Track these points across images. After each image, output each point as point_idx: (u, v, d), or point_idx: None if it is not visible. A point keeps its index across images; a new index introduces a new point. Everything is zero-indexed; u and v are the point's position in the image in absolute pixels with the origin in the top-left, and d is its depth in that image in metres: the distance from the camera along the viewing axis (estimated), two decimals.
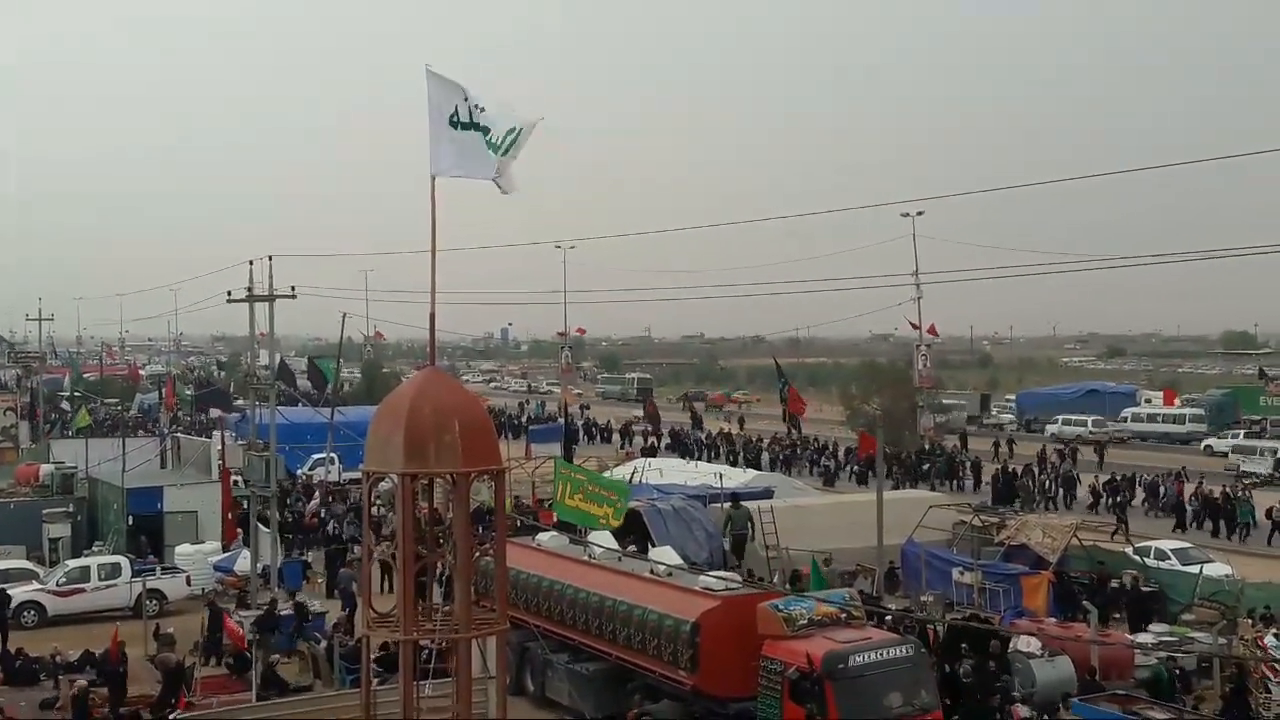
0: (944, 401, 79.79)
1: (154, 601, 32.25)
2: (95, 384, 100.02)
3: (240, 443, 44.96)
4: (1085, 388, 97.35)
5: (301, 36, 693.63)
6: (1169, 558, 34.34)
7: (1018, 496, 50.95)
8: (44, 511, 39.74)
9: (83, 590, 33.34)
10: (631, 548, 30.59)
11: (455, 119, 12.54)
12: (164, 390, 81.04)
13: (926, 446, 63.31)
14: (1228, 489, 47.96)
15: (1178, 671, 23.92)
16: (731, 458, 65.38)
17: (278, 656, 26.68)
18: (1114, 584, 30.86)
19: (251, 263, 33.51)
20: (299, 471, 52.40)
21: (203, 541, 37.63)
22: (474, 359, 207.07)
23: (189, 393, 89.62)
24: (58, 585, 33.42)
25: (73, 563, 34.92)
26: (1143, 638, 26.48)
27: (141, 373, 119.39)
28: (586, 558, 26.12)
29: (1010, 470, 55.68)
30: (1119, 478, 52.74)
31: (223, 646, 28.59)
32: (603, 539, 27.80)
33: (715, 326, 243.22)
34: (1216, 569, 32.90)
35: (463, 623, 11.71)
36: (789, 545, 33.86)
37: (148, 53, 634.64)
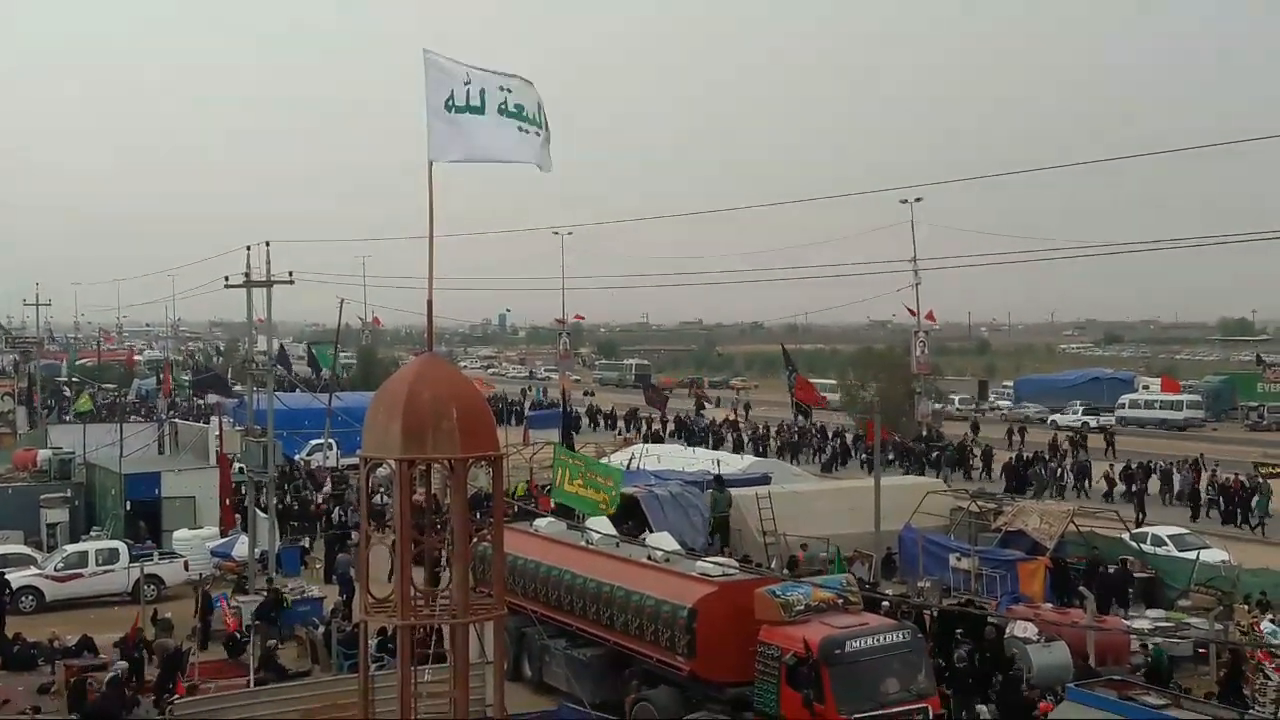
0: (949, 394, 79.80)
1: (152, 587, 32.28)
2: (92, 369, 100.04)
3: (238, 428, 44.97)
4: (1085, 375, 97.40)
5: (303, 15, 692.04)
6: (1165, 544, 34.38)
7: (1030, 485, 50.26)
8: (42, 497, 39.76)
9: (81, 575, 33.37)
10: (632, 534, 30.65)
11: (451, 103, 12.50)
12: (162, 375, 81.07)
13: (924, 433, 63.23)
14: (1245, 478, 46.94)
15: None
16: (737, 444, 65.32)
17: (275, 642, 26.74)
18: (1111, 569, 30.94)
19: (249, 248, 33.54)
20: (297, 457, 52.41)
21: (201, 527, 37.66)
22: (472, 345, 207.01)
23: (185, 378, 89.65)
24: (56, 570, 33.44)
25: (70, 548, 34.94)
26: (1139, 623, 26.53)
27: (138, 358, 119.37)
28: (584, 543, 26.15)
29: (1025, 458, 55.12)
30: (1135, 466, 51.71)
31: (212, 632, 28.66)
32: (600, 525, 27.83)
33: (714, 312, 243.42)
34: (1213, 555, 32.97)
35: (460, 608, 11.72)
36: (786, 531, 33.90)
37: (148, 41, 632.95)
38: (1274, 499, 44.66)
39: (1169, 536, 35.23)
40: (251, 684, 23.05)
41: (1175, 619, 27.33)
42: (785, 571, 29.76)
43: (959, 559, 31.30)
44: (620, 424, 78.41)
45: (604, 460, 41.83)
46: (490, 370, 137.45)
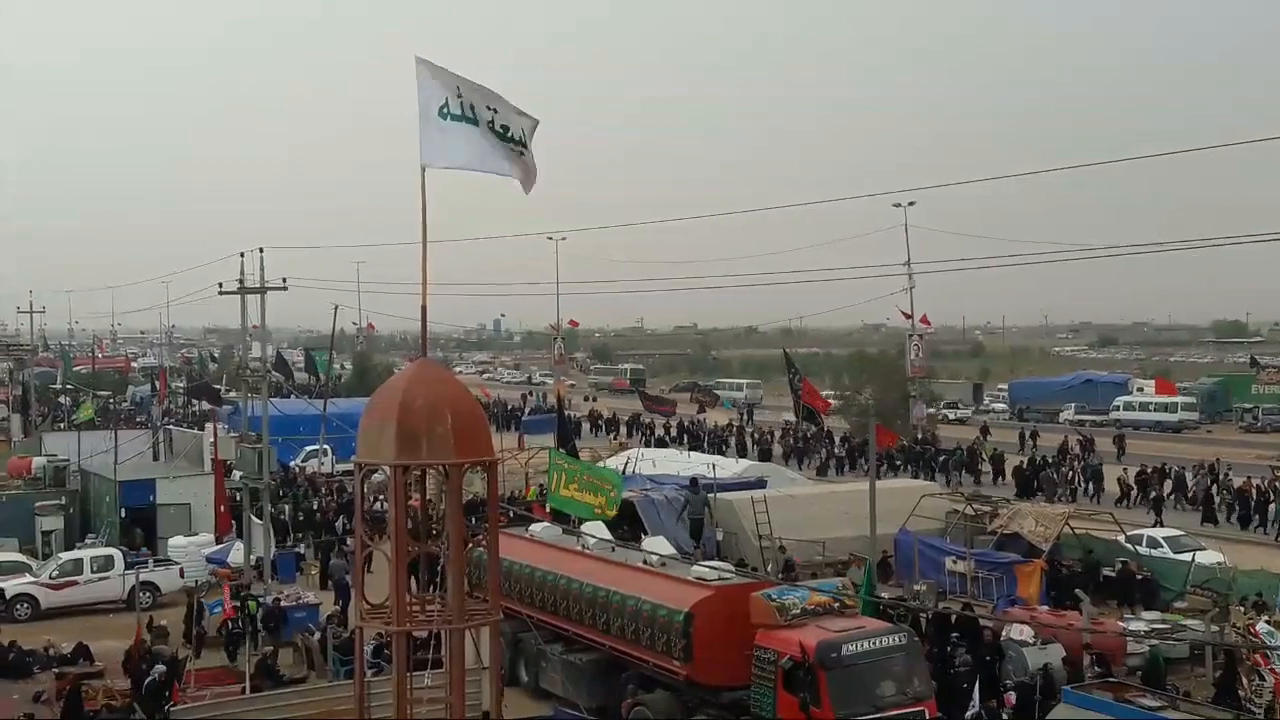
0: (939, 398, 79.59)
1: (147, 594, 32.23)
2: (87, 376, 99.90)
3: (233, 435, 44.94)
4: (1079, 377, 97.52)
5: (292, 24, 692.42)
6: (1161, 545, 34.41)
7: (1041, 490, 49.50)
8: (36, 504, 39.71)
9: (76, 583, 33.36)
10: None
11: (445, 110, 12.51)
12: (157, 382, 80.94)
13: (919, 436, 63.16)
14: (1262, 482, 46.40)
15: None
16: (741, 449, 64.93)
17: (271, 648, 26.73)
18: (1108, 571, 31.03)
19: (243, 254, 33.57)
20: (292, 463, 52.38)
21: (196, 533, 37.63)
22: (467, 350, 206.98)
23: (179, 385, 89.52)
24: (51, 578, 33.42)
25: (66, 555, 34.92)
26: (1135, 625, 26.55)
27: (134, 365, 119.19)
28: (580, 548, 26.14)
29: (1038, 461, 54.57)
30: (1149, 470, 50.86)
31: (206, 638, 28.62)
32: (596, 529, 27.83)
33: (708, 317, 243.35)
34: (1208, 557, 33.00)
35: (456, 614, 11.72)
36: (782, 535, 33.91)
37: (144, 45, 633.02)
38: None
39: (1164, 538, 35.26)
40: (247, 691, 23.05)
41: (1171, 621, 27.36)
42: (781, 575, 29.79)
43: (955, 562, 31.32)
44: (622, 429, 77.62)
45: (600, 465, 41.83)
46: (485, 375, 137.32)
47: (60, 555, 35.24)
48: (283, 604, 29.11)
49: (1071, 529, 32.89)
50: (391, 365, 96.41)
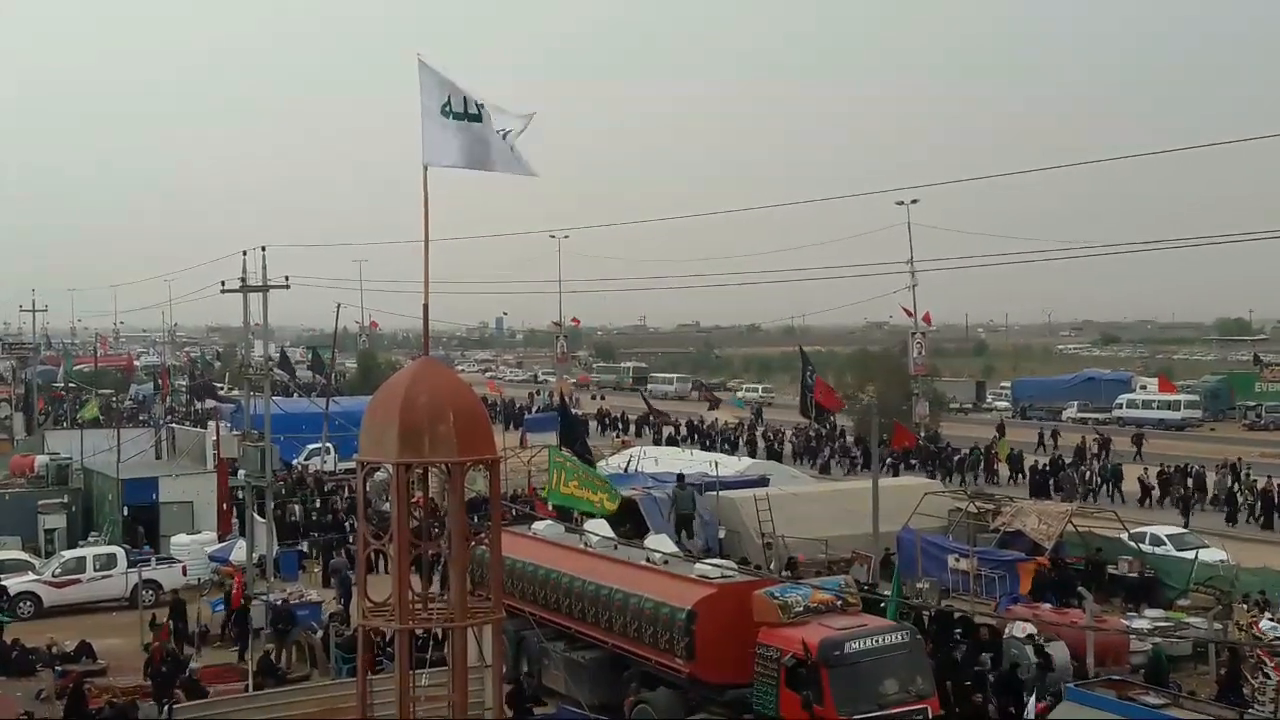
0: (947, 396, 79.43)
1: (150, 592, 32.26)
2: (89, 375, 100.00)
3: (235, 433, 44.95)
4: (1082, 375, 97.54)
5: (296, 22, 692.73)
6: (1164, 543, 34.38)
7: (1060, 490, 48.83)
8: (39, 502, 39.77)
9: (79, 581, 33.38)
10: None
11: (448, 109, 12.50)
12: (159, 381, 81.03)
13: (921, 434, 62.98)
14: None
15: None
16: (751, 448, 64.35)
17: (273, 646, 26.72)
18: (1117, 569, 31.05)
19: (245, 253, 33.54)
20: (295, 461, 52.39)
21: (199, 531, 37.64)
22: (469, 348, 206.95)
23: (181, 383, 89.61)
24: (54, 576, 33.45)
25: (68, 553, 34.95)
26: (1138, 623, 26.54)
27: (136, 363, 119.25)
28: (582, 546, 26.13)
29: (1059, 462, 54.01)
30: (1171, 469, 50.26)
31: (207, 638, 28.61)
32: (599, 527, 27.82)
33: (711, 315, 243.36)
34: (1212, 554, 32.98)
35: (458, 612, 11.70)
36: (785, 533, 33.89)
37: (143, 46, 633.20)
38: None
39: (1168, 536, 35.25)
40: (250, 689, 23.06)
41: (1174, 618, 27.34)
42: (785, 573, 29.76)
43: (957, 560, 31.30)
44: (632, 429, 76.92)
45: (601, 463, 41.88)
46: (488, 374, 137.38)
47: (63, 553, 35.27)
48: (291, 604, 29.04)
49: (1074, 527, 32.87)
50: (396, 363, 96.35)
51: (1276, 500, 44.60)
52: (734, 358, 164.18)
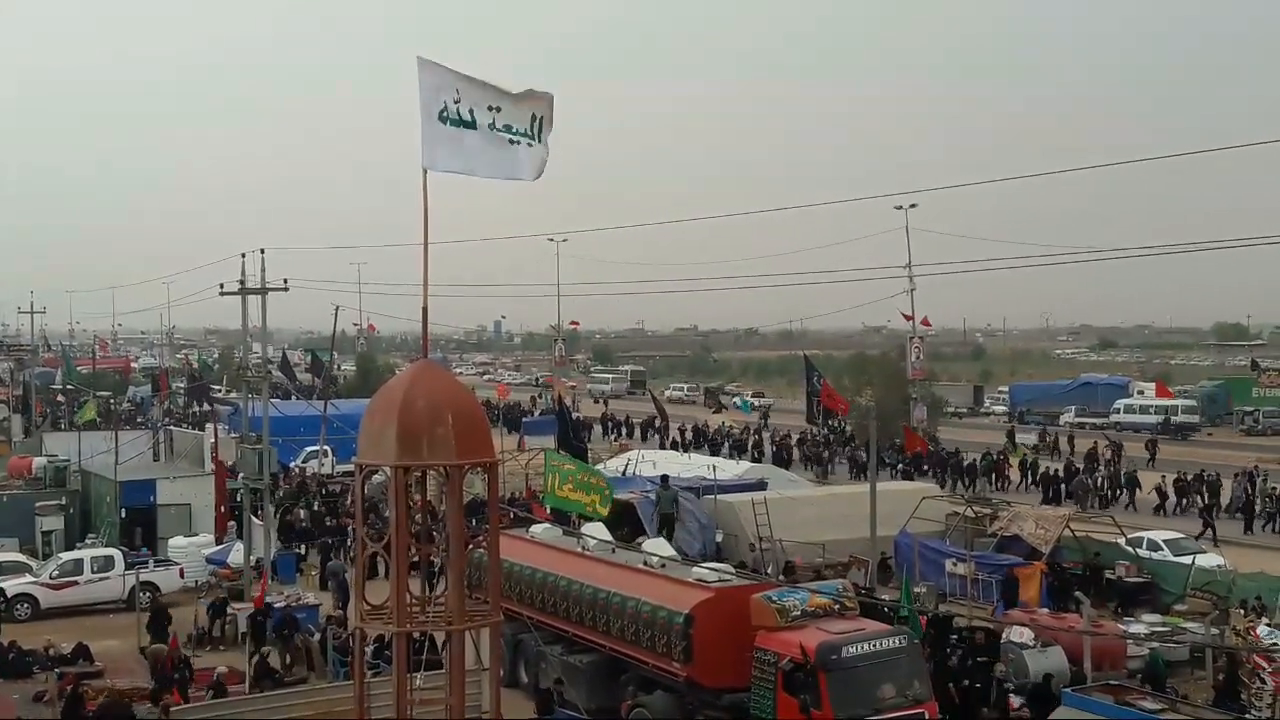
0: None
1: (147, 594, 32.25)
2: (88, 376, 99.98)
3: (233, 435, 44.93)
4: (1080, 380, 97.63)
5: (294, 24, 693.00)
6: (1161, 548, 34.43)
7: (1072, 497, 48.27)
8: (37, 504, 39.70)
9: (76, 583, 33.34)
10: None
11: (445, 114, 12.51)
12: (158, 383, 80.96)
13: (897, 442, 62.62)
14: None
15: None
16: (757, 452, 63.84)
17: (269, 648, 26.70)
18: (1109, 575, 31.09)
19: (244, 255, 33.56)
20: (292, 464, 52.37)
21: (196, 534, 37.62)
22: (467, 351, 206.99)
23: (179, 385, 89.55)
24: (51, 578, 33.41)
25: (66, 556, 34.91)
26: (1135, 628, 26.57)
27: (134, 365, 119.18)
28: (580, 550, 26.14)
29: (1073, 469, 53.25)
30: (1188, 477, 49.00)
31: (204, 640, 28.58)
32: (596, 531, 27.84)
33: (709, 318, 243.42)
34: (1209, 560, 33.01)
35: (456, 615, 11.71)
36: (782, 537, 33.90)
37: (141, 48, 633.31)
38: None
39: (1165, 541, 35.28)
40: (247, 691, 23.05)
41: (1171, 623, 27.38)
42: (781, 577, 29.77)
43: (955, 564, 31.33)
44: (637, 432, 76.41)
45: (599, 467, 41.86)
46: (486, 377, 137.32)
47: (60, 555, 35.23)
48: (294, 610, 28.96)
49: (1072, 531, 32.91)
50: (394, 366, 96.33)
51: None
52: (732, 361, 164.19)
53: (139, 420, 71.08)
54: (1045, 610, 27.83)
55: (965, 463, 56.16)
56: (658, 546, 26.50)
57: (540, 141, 12.67)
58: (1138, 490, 49.38)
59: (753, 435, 69.64)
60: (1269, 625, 25.38)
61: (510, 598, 24.09)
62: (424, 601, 12.46)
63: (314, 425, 50.07)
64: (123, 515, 38.82)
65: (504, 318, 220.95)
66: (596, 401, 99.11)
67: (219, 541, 36.93)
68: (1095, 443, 61.66)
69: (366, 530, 14.47)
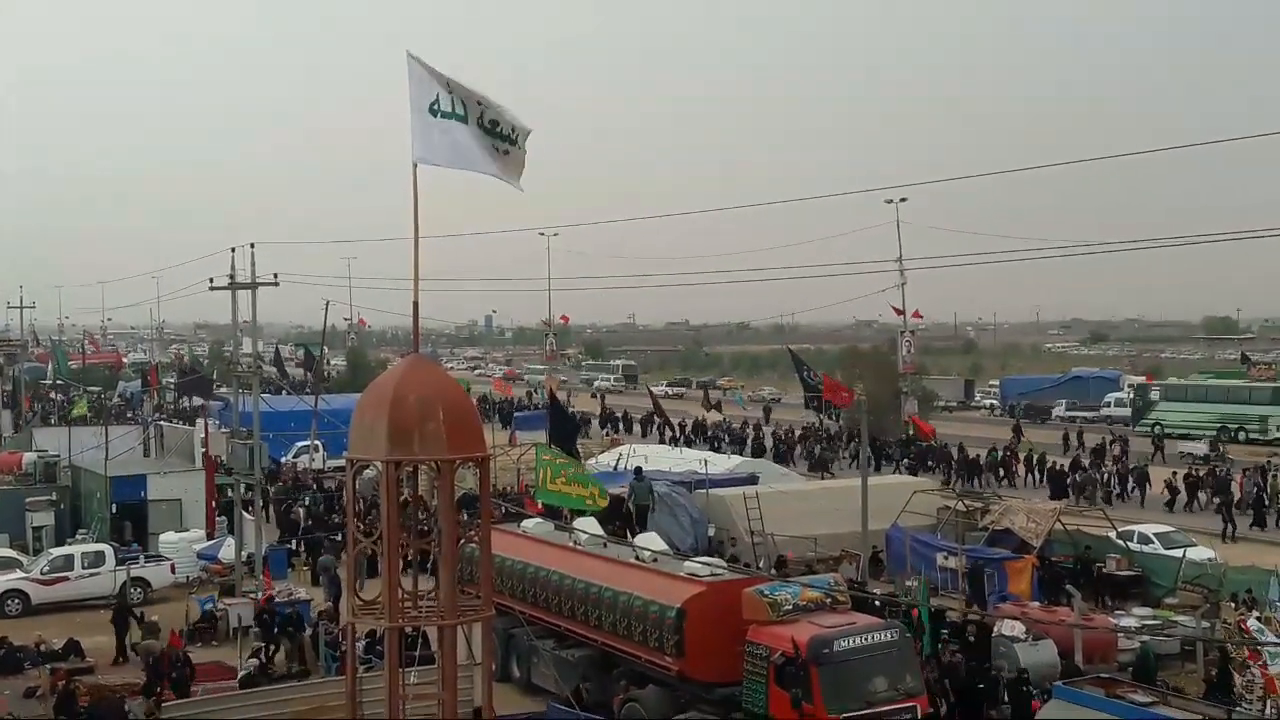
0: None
1: (138, 589, 32.17)
2: (78, 372, 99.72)
3: (224, 430, 44.86)
4: (1070, 374, 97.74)
5: (285, 22, 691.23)
6: (1152, 541, 34.47)
7: (1081, 492, 47.69)
8: (27, 500, 39.62)
9: (67, 579, 33.25)
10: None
11: (436, 107, 12.47)
12: (148, 378, 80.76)
13: (909, 432, 62.81)
14: None
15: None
16: (758, 448, 63.28)
17: (263, 644, 26.65)
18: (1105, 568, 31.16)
19: (234, 250, 33.46)
20: (283, 459, 52.30)
21: (187, 529, 37.55)
22: (458, 346, 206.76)
23: (169, 380, 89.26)
24: (41, 574, 33.33)
25: (56, 551, 34.82)
26: (1126, 621, 26.61)
27: (125, 360, 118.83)
28: (572, 544, 26.12)
29: (1082, 465, 52.39)
30: (1201, 472, 48.33)
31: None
32: (588, 525, 27.83)
33: (700, 313, 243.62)
34: (1199, 553, 33.05)
35: (448, 610, 11.69)
36: (774, 531, 33.92)
37: (137, 42, 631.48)
38: None
39: (1155, 534, 35.33)
40: (239, 687, 23.02)
41: (1162, 617, 27.43)
42: (773, 571, 29.79)
43: (946, 558, 31.35)
44: (637, 428, 75.90)
45: (591, 461, 41.87)
46: (476, 371, 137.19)
47: (51, 551, 35.13)
48: (299, 609, 28.87)
49: (1063, 525, 32.95)
50: (385, 361, 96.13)
51: None
52: (723, 355, 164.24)
53: (129, 415, 70.95)
54: (1036, 604, 27.85)
55: (970, 458, 55.42)
56: (649, 540, 26.50)
57: (518, 146, 12.62)
58: (1148, 486, 48.75)
59: (752, 431, 68.92)
60: (1259, 618, 25.39)
61: (502, 593, 24.06)
62: (416, 596, 12.43)
63: (305, 420, 50.00)
64: (113, 510, 38.71)
65: (494, 312, 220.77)
66: (593, 397, 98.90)
67: (210, 537, 36.89)
68: (1103, 438, 61.27)
69: (359, 526, 14.44)
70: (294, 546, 38.86)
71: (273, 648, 26.59)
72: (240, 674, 24.42)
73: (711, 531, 35.72)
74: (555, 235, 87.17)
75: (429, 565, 13.83)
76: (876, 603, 24.74)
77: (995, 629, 24.58)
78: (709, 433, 69.38)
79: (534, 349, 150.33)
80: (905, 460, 57.11)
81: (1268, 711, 21.69)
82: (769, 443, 65.47)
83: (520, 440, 51.55)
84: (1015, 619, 24.96)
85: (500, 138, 12.57)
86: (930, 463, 55.90)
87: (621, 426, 77.12)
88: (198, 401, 69.62)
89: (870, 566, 33.08)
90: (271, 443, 44.94)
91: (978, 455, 55.54)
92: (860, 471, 35.16)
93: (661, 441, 63.42)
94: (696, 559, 25.82)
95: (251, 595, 30.33)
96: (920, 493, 36.40)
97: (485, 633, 12.64)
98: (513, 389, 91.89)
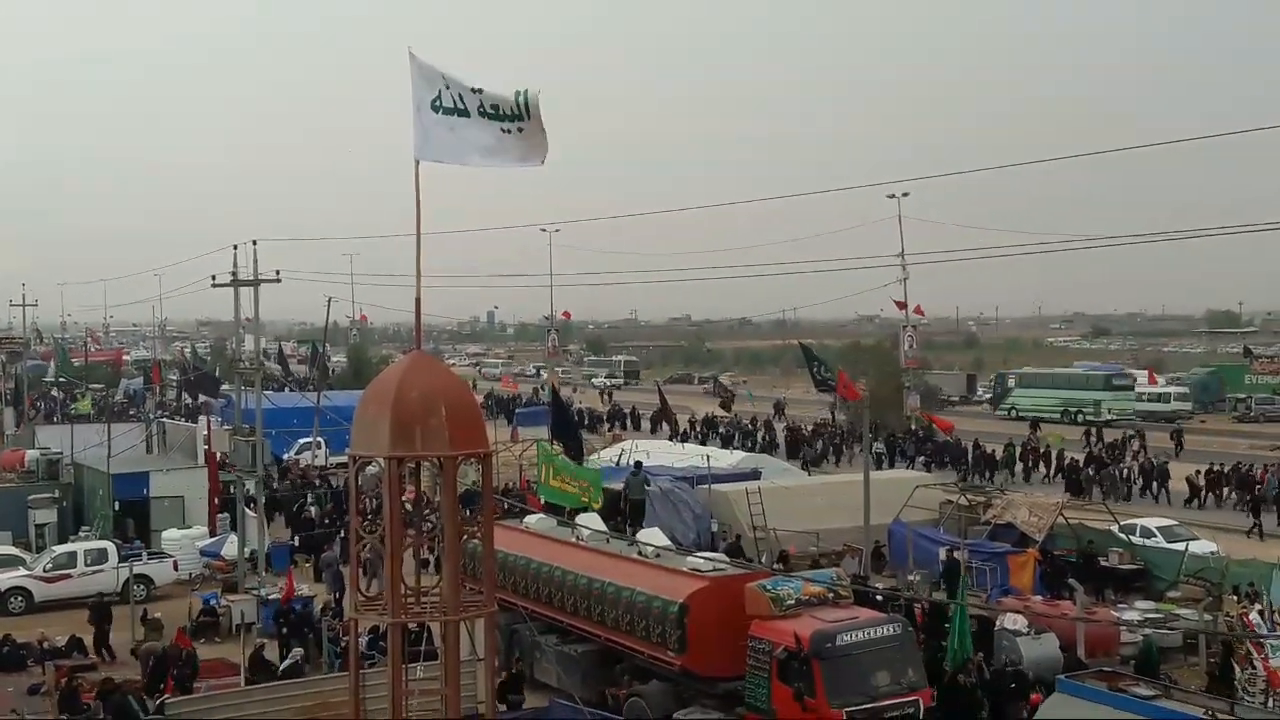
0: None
1: (141, 587, 32.19)
2: (81, 369, 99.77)
3: (226, 427, 44.85)
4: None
5: (287, 19, 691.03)
6: (1154, 535, 34.47)
7: (1101, 488, 47.28)
8: (30, 497, 39.63)
9: (69, 576, 33.26)
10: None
11: (438, 103, 12.48)
12: (150, 375, 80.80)
13: (911, 427, 62.87)
14: None
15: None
16: (770, 444, 62.65)
17: (263, 641, 26.64)
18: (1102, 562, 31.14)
19: (236, 247, 33.44)
20: (285, 456, 52.30)
21: (190, 526, 37.57)
22: (460, 342, 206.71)
23: (173, 378, 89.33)
24: (45, 571, 33.35)
25: (59, 548, 34.84)
26: (1129, 615, 26.62)
27: (127, 358, 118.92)
28: (574, 540, 26.14)
29: (1104, 460, 51.92)
30: (1224, 468, 47.56)
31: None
32: (590, 521, 27.84)
33: (702, 308, 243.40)
34: (1202, 546, 33.07)
35: (451, 605, 11.71)
36: (776, 526, 33.93)
37: (136, 39, 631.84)
38: None
39: (1158, 528, 35.33)
40: (243, 683, 23.03)
41: (1164, 610, 27.44)
42: (776, 566, 29.80)
43: (949, 552, 31.34)
44: (644, 424, 74.75)
45: (594, 457, 41.87)
46: (479, 368, 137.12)
47: (54, 548, 35.15)
48: (311, 608, 28.84)
49: (1065, 519, 32.97)
50: (387, 358, 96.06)
51: None
52: (725, 351, 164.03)
53: (132, 413, 70.96)
54: (1039, 597, 27.86)
55: (986, 453, 54.76)
56: (652, 536, 26.52)
57: (530, 118, 12.17)
58: (1169, 482, 47.97)
59: (763, 427, 68.22)
60: (1261, 612, 25.40)
61: (505, 588, 24.09)
62: (419, 592, 12.46)
63: (307, 417, 49.97)
64: (116, 508, 38.73)
65: (497, 308, 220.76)
66: (602, 394, 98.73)
67: (213, 534, 36.91)
68: (1122, 433, 60.75)
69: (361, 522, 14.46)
70: (296, 543, 38.87)
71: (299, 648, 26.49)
72: (283, 665, 24.42)
73: (715, 527, 35.72)
74: (557, 231, 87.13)
75: (432, 561, 13.86)
76: (878, 597, 24.74)
77: (997, 623, 24.60)
78: (720, 429, 69.11)
79: (536, 345, 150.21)
80: (921, 457, 56.85)
81: (1270, 705, 21.70)
82: (780, 439, 64.80)
83: (522, 436, 51.56)
84: (1018, 613, 24.98)
85: (507, 118, 12.34)
86: (946, 459, 55.46)
87: (629, 423, 76.73)
88: (200, 398, 69.75)
89: (872, 561, 33.09)
90: (274, 440, 44.94)
91: (993, 450, 55.00)
92: (864, 466, 35.16)
93: (672, 438, 63.14)
94: (699, 554, 25.83)
95: (256, 593, 30.27)
96: (922, 487, 36.41)
97: (488, 628, 12.66)
98: (518, 385, 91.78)
